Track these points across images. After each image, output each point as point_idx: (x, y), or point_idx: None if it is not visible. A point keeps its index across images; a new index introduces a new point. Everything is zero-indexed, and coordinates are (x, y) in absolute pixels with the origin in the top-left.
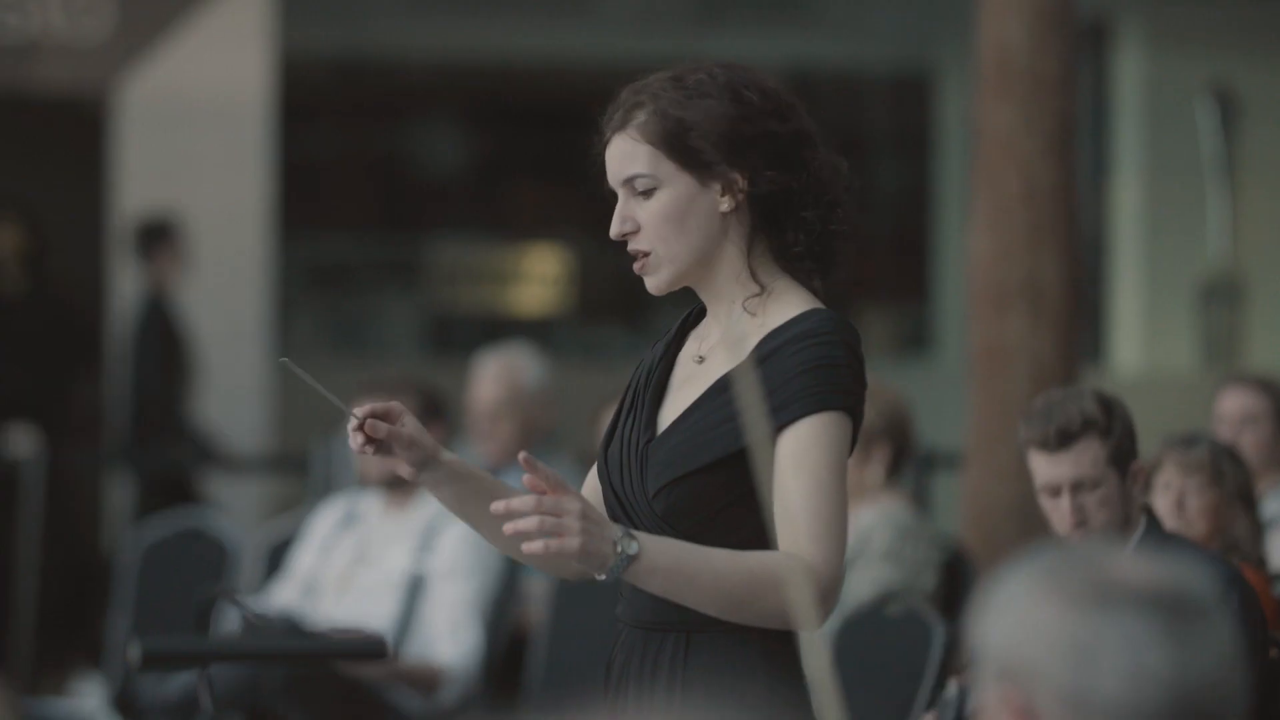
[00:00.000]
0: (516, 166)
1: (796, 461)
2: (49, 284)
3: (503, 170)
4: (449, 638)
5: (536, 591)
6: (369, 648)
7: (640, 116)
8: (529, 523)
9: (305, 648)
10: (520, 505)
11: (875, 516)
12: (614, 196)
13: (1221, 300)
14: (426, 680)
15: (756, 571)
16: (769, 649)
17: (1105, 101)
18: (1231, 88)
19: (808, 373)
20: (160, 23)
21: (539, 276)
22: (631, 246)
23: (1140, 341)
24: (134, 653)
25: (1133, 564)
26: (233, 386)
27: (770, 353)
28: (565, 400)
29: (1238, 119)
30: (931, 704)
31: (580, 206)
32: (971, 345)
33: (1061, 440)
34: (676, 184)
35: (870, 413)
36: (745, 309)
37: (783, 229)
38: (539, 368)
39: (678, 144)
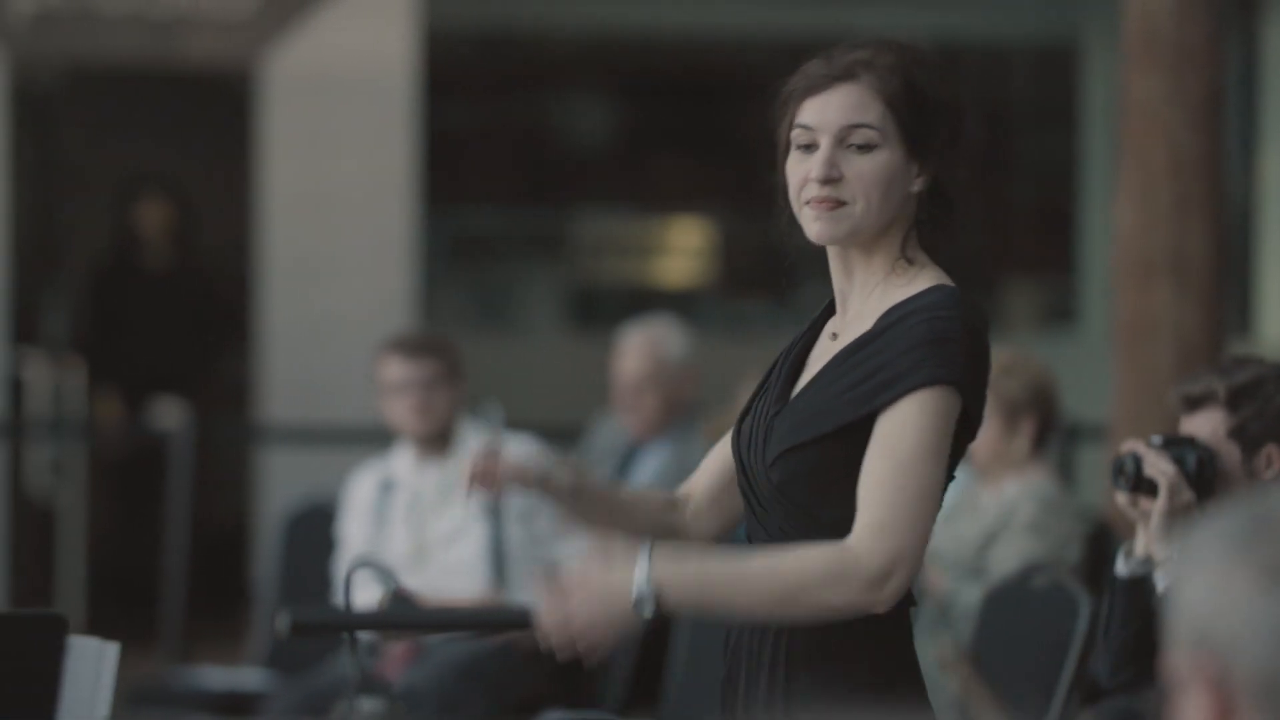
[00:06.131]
0: (661, 139)
1: (884, 445)
2: (195, 259)
3: (647, 143)
4: None
5: None
6: (517, 618)
7: (881, 72)
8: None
9: (453, 619)
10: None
11: (1020, 489)
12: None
13: None
14: None
15: (790, 575)
16: (870, 630)
17: (1253, 71)
18: None
19: (916, 348)
20: None
21: (683, 249)
22: (831, 193)
23: None
24: (282, 622)
25: None
26: None
27: (888, 326)
28: (709, 373)
29: None
30: (1076, 677)
31: (725, 179)
32: (1117, 317)
33: (1186, 405)
34: (894, 149)
35: (1016, 385)
36: (890, 279)
37: (934, 221)
38: (683, 341)
39: (912, 112)
